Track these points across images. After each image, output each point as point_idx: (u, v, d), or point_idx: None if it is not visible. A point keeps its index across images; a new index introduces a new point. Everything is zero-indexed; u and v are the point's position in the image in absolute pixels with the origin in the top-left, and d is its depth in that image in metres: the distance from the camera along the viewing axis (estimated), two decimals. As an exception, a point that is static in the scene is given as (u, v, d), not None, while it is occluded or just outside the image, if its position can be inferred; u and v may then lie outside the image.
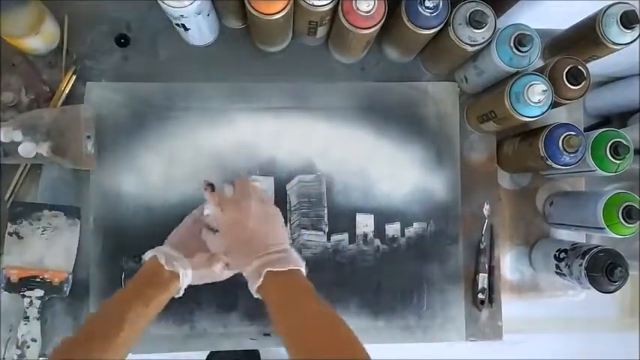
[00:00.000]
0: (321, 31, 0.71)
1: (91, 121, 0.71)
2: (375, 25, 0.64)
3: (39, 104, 0.73)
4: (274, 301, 0.54)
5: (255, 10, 0.62)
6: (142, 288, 0.57)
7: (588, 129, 0.87)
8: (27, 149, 0.68)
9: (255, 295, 0.55)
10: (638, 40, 0.66)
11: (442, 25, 0.65)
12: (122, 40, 0.75)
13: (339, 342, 0.51)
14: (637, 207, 0.66)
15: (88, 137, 0.70)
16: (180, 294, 0.59)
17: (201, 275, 0.61)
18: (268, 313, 0.54)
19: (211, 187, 0.62)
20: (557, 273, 0.75)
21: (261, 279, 0.54)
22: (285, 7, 0.62)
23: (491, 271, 0.78)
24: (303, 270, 0.57)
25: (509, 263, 0.82)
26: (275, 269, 0.54)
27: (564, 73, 0.66)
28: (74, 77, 0.73)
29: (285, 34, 0.73)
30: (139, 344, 0.71)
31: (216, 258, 0.60)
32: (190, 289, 0.73)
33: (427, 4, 0.63)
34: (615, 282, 0.67)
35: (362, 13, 0.63)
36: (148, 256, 0.60)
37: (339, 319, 0.52)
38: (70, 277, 0.71)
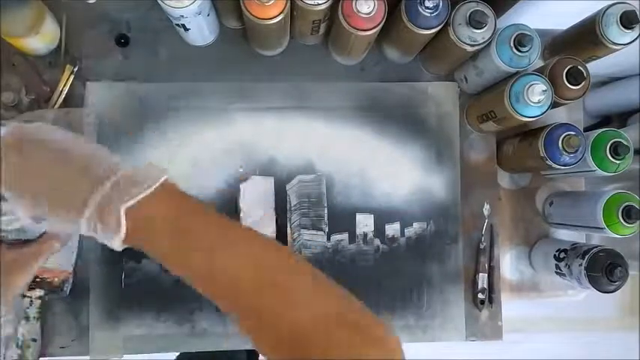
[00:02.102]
0: (323, 28, 0.71)
1: (94, 126, 0.71)
2: (376, 27, 0.64)
3: (39, 104, 0.73)
4: (166, 246, 0.38)
5: (252, 14, 0.62)
6: None
7: (588, 129, 0.87)
8: None
9: (119, 248, 0.39)
10: (638, 40, 0.66)
11: (442, 25, 0.65)
12: (122, 40, 0.75)
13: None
14: (637, 207, 0.67)
15: (89, 139, 0.70)
16: None
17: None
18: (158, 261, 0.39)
19: None
20: (557, 273, 0.75)
21: (123, 225, 0.37)
22: (282, 11, 0.62)
23: (491, 271, 0.78)
24: (167, 177, 0.41)
25: (509, 263, 0.82)
26: (133, 200, 0.37)
27: (564, 73, 0.66)
28: (72, 77, 0.73)
29: (282, 38, 0.74)
30: (139, 344, 0.71)
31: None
32: (190, 288, 0.73)
33: (427, 4, 0.63)
34: (615, 282, 0.67)
35: (362, 15, 0.63)
36: None
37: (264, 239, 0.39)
38: (71, 276, 0.71)
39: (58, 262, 0.71)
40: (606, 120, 0.97)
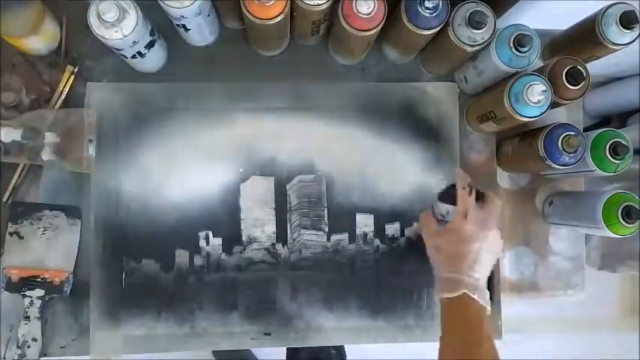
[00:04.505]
0: (323, 29, 0.71)
1: (94, 126, 0.71)
2: (376, 27, 0.64)
3: (40, 104, 0.73)
4: (452, 321, 0.58)
5: (252, 14, 0.62)
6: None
7: (588, 129, 0.87)
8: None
9: (436, 300, 0.59)
10: (637, 40, 0.66)
11: (442, 25, 0.65)
12: (122, 41, 0.75)
13: None
14: (636, 207, 0.67)
15: (90, 141, 0.70)
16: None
17: None
18: (441, 323, 0.59)
19: (469, 190, 0.63)
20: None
21: (455, 295, 0.57)
22: (282, 12, 0.62)
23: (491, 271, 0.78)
24: (489, 311, 0.59)
25: (508, 263, 0.82)
26: (474, 296, 0.57)
27: (564, 73, 0.66)
28: (72, 77, 0.73)
29: (282, 39, 0.74)
30: (139, 344, 0.71)
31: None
32: (190, 288, 0.73)
33: (427, 4, 0.63)
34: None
35: (362, 16, 0.63)
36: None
37: None
38: (71, 276, 0.71)
39: (59, 263, 0.72)
40: (606, 120, 0.97)
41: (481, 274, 0.60)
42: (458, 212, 0.63)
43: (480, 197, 0.64)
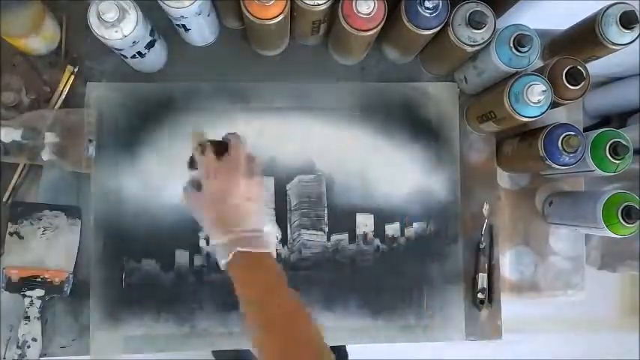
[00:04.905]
0: (323, 29, 0.71)
1: (95, 126, 0.71)
2: (376, 27, 0.64)
3: (39, 104, 0.73)
4: (241, 281, 0.54)
5: (252, 14, 0.62)
6: None
7: (588, 129, 0.87)
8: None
9: (223, 268, 0.55)
10: (637, 40, 0.67)
11: (442, 25, 0.65)
12: (122, 41, 0.75)
13: (307, 340, 0.52)
14: (636, 207, 0.67)
15: (90, 141, 0.70)
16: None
17: None
18: (235, 290, 0.54)
19: (202, 148, 0.59)
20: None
21: (230, 256, 0.53)
22: (282, 12, 0.62)
23: (491, 271, 0.78)
24: (274, 254, 0.57)
25: (508, 263, 0.82)
26: (245, 249, 0.54)
27: (564, 73, 0.66)
28: (72, 77, 0.73)
29: (282, 39, 0.74)
30: (139, 344, 0.71)
31: None
32: (190, 288, 0.73)
33: (427, 4, 0.63)
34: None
35: (362, 16, 0.63)
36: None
37: (307, 316, 0.53)
38: (71, 276, 0.71)
39: (59, 263, 0.72)
40: (606, 120, 0.97)
41: (249, 220, 0.56)
42: (201, 174, 0.58)
43: (224, 149, 0.58)
